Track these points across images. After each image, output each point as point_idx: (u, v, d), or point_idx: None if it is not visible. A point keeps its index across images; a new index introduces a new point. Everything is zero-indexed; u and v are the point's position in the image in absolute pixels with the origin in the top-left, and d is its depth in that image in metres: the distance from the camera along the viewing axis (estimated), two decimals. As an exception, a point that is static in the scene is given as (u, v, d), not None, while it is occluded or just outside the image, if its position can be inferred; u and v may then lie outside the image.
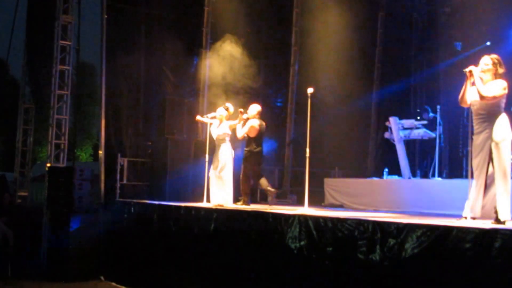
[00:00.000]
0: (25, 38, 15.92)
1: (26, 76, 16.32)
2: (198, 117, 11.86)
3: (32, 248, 13.08)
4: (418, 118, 14.34)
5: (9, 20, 16.21)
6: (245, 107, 11.54)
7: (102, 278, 12.62)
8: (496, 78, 7.21)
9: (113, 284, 12.19)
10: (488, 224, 6.44)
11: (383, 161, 16.28)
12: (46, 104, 13.87)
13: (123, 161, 13.61)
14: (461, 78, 7.62)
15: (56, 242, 12.38)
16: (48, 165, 13.08)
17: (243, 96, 13.98)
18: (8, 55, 17.18)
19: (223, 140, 11.10)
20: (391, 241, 6.54)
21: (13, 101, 18.03)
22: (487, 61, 7.29)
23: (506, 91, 7.12)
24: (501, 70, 7.23)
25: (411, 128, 14.00)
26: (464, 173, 14.20)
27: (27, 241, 13.35)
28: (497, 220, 6.80)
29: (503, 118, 7.10)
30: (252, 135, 11.40)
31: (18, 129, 16.20)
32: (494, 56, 7.34)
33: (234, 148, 11.44)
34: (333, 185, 14.08)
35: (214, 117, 11.36)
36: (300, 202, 13.90)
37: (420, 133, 13.89)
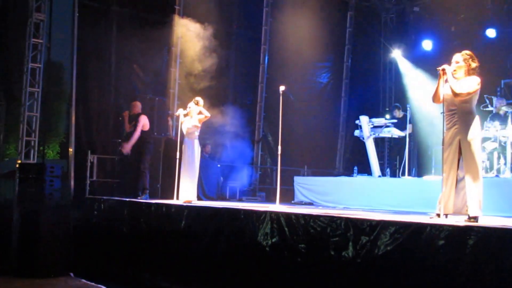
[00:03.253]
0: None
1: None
2: (178, 112, 11.92)
3: (2, 245, 12.94)
4: (388, 116, 14.46)
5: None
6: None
7: (72, 274, 12.54)
8: (469, 74, 7.26)
9: (83, 280, 12.10)
10: (461, 222, 6.49)
11: (353, 159, 16.42)
12: (15, 101, 13.75)
13: (93, 158, 13.56)
14: (431, 77, 7.70)
15: (26, 239, 12.28)
16: (19, 162, 13.00)
17: (213, 94, 13.99)
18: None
19: (192, 134, 11.29)
20: (364, 238, 6.58)
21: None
22: (458, 58, 7.34)
23: (479, 87, 7.16)
24: (474, 65, 7.28)
25: (381, 127, 14.07)
26: (433, 171, 14.36)
27: (-3, 238, 13.24)
28: (469, 217, 6.86)
29: (474, 115, 7.15)
30: (147, 128, 12.57)
31: (-13, 127, 16.03)
32: (465, 51, 7.38)
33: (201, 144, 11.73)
34: (303, 183, 14.13)
35: (186, 114, 11.53)
36: (269, 200, 14.02)
37: (390, 131, 13.98)
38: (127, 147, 12.45)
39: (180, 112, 11.62)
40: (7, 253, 12.66)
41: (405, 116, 14.02)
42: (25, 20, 13.28)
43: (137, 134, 12.53)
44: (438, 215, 7.11)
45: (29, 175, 12.37)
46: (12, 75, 14.14)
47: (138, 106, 12.96)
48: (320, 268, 7.11)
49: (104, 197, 12.42)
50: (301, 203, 13.22)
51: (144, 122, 12.68)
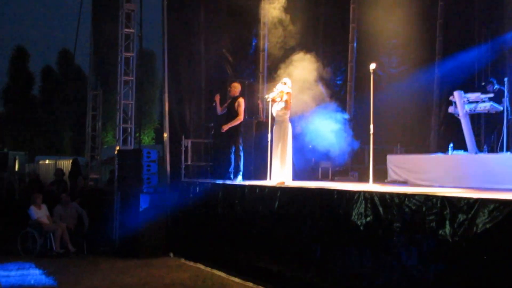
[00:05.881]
0: (91, 28, 16.27)
1: (93, 64, 16.69)
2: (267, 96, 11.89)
3: (105, 227, 13.51)
4: (483, 91, 13.98)
5: (75, 12, 16.74)
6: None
7: (171, 254, 12.93)
8: None
9: (182, 260, 12.47)
10: None
11: (447, 136, 16.01)
12: (111, 90, 14.22)
13: (187, 143, 13.84)
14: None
15: (127, 221, 12.77)
16: (117, 148, 13.46)
17: (302, 76, 13.96)
18: (76, 45, 17.76)
19: (282, 116, 11.22)
20: (461, 217, 6.44)
21: (80, 89, 18.49)
22: None
23: None
24: None
25: (476, 102, 13.62)
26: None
27: (100, 221, 13.79)
28: None
29: None
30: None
31: (87, 115, 16.58)
32: None
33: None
34: (396, 162, 13.88)
35: (274, 98, 11.46)
36: (362, 179, 13.90)
37: (486, 106, 13.47)
38: (225, 127, 12.37)
39: (270, 95, 11.57)
40: (111, 236, 13.20)
41: (501, 90, 13.56)
42: (116, 11, 13.66)
43: (241, 117, 12.46)
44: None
45: (127, 160, 12.82)
46: (107, 65, 14.61)
47: (237, 88, 12.82)
48: (417, 247, 7.02)
49: (199, 180, 12.66)
50: (394, 182, 13.05)
51: (245, 105, 12.64)
